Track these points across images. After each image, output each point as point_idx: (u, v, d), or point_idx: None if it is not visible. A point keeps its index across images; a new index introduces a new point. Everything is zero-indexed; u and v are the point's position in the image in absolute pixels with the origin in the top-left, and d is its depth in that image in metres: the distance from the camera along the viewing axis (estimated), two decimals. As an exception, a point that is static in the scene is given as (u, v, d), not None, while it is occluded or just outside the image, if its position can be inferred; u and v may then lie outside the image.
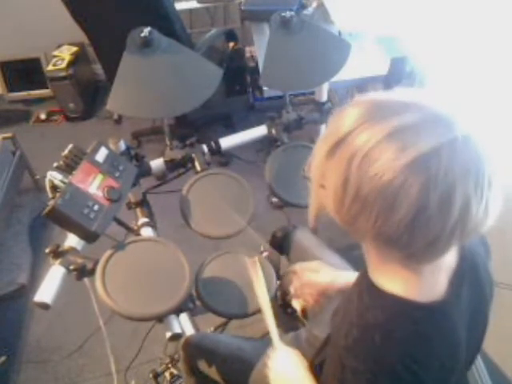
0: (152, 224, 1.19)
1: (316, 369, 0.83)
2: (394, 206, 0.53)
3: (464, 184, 0.51)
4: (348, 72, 1.34)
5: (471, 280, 0.69)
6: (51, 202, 0.91)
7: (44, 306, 0.92)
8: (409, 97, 0.56)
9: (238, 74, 2.83)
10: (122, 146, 1.21)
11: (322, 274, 1.05)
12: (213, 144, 1.35)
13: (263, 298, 0.98)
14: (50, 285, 0.95)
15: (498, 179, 0.54)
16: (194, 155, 1.30)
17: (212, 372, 1.11)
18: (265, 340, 1.02)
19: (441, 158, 0.51)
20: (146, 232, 1.16)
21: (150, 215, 1.22)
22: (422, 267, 0.62)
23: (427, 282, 0.64)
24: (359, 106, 0.57)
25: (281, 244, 1.43)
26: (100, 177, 1.03)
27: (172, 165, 1.30)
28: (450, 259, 0.67)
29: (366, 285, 0.67)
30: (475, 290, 0.70)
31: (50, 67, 2.82)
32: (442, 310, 0.64)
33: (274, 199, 2.10)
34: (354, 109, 0.57)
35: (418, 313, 0.62)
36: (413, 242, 0.55)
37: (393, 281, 0.64)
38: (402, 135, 0.52)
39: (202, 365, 1.12)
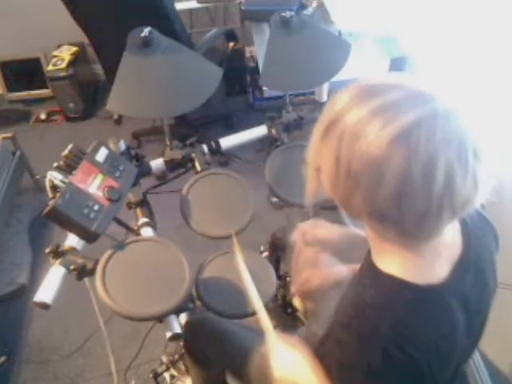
0: (152, 224, 1.19)
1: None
2: (380, 180, 0.55)
3: (446, 154, 0.53)
4: (348, 72, 1.34)
5: (476, 271, 0.70)
6: (51, 202, 0.91)
7: (44, 306, 0.92)
8: (393, 79, 0.60)
9: (238, 74, 2.83)
10: (122, 146, 1.21)
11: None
12: (213, 144, 1.35)
13: (252, 292, 0.98)
14: (49, 285, 0.95)
15: (485, 154, 0.56)
16: (193, 155, 1.30)
17: (213, 352, 1.12)
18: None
19: (421, 130, 0.53)
20: (146, 232, 1.16)
21: (150, 215, 1.22)
22: (420, 247, 0.64)
23: (426, 264, 0.65)
24: (349, 91, 0.61)
25: (281, 244, 1.43)
26: (100, 177, 1.03)
27: (172, 165, 1.30)
28: (453, 247, 0.68)
29: (367, 267, 0.70)
30: (479, 281, 0.71)
31: (50, 67, 2.82)
32: (438, 294, 0.65)
33: (274, 199, 2.10)
34: (345, 93, 0.61)
35: (413, 294, 0.64)
36: (403, 216, 0.57)
37: (392, 262, 0.66)
38: (386, 111, 0.55)
39: (205, 345, 1.14)
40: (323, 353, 0.80)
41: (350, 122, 0.57)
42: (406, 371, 0.63)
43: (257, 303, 0.97)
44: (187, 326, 1.15)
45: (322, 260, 1.05)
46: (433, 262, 0.65)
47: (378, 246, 0.68)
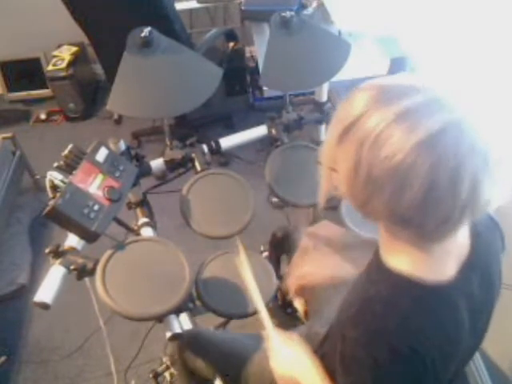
0: (152, 224, 1.19)
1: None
2: (405, 186, 0.54)
3: (472, 161, 0.53)
4: (348, 72, 1.34)
5: (482, 271, 0.70)
6: (51, 202, 0.91)
7: (44, 306, 0.92)
8: (412, 80, 0.59)
9: (238, 74, 2.83)
10: (122, 146, 1.21)
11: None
12: (213, 144, 1.35)
13: (254, 290, 0.99)
14: (49, 285, 0.95)
15: (507, 159, 0.56)
16: (193, 155, 1.30)
17: (206, 368, 1.11)
18: (260, 334, 1.02)
19: (448, 137, 0.52)
20: (146, 232, 1.16)
21: (150, 215, 1.22)
22: (432, 246, 0.64)
23: (435, 263, 0.65)
24: (366, 91, 0.59)
25: (281, 244, 1.43)
26: (100, 177, 1.03)
27: (172, 165, 1.30)
28: (461, 247, 0.68)
29: (375, 264, 0.69)
30: (485, 281, 0.71)
31: (50, 67, 2.82)
32: (445, 292, 0.65)
33: (274, 199, 2.10)
34: (362, 94, 0.59)
35: (421, 291, 0.63)
36: (426, 221, 0.57)
37: (401, 260, 0.65)
38: (410, 117, 0.54)
39: (196, 361, 1.12)
40: (326, 351, 0.80)
41: (372, 128, 0.55)
42: (412, 368, 0.62)
43: (258, 301, 0.98)
44: (180, 342, 1.14)
45: (320, 258, 1.05)
46: (442, 261, 0.65)
47: (388, 244, 0.68)
